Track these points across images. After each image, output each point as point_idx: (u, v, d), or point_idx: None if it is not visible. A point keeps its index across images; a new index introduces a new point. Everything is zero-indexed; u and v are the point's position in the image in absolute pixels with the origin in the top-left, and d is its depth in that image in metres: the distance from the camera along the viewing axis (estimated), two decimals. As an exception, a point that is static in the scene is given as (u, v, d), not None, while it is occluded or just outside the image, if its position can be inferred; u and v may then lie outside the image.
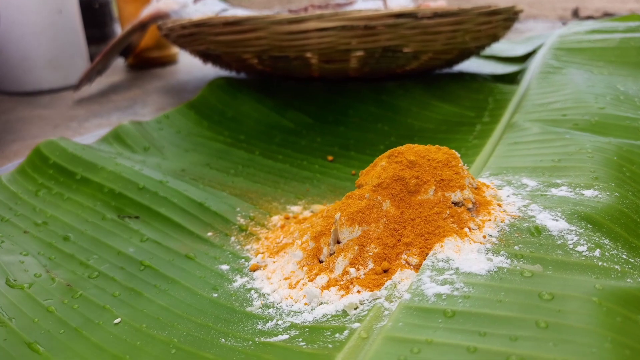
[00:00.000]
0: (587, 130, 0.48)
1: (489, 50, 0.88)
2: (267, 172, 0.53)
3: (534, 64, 0.72)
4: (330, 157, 0.56)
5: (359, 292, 0.30)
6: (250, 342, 0.29)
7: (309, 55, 0.62)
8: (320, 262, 0.34)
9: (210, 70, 0.92)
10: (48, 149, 0.50)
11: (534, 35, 1.03)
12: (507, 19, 0.67)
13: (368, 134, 0.61)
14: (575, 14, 1.37)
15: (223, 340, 0.29)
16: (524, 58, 0.84)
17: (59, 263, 0.38)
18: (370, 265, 0.31)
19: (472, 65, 0.83)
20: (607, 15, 1.28)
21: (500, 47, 0.93)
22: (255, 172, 0.53)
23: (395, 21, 0.59)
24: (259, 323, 0.31)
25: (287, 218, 0.43)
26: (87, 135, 0.62)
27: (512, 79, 0.73)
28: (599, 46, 0.75)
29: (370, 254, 0.32)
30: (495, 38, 0.69)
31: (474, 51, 0.70)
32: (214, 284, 0.35)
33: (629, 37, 0.75)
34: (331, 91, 0.70)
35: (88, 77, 0.83)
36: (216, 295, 0.34)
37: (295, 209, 0.45)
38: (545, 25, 1.22)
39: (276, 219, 0.43)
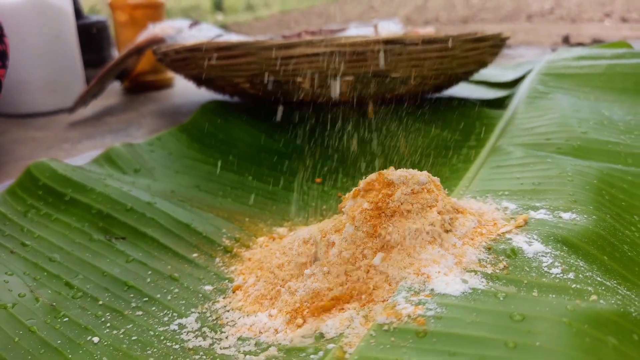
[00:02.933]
0: (569, 154, 0.49)
1: (478, 76, 0.89)
2: (255, 194, 0.53)
3: (522, 89, 0.73)
4: (318, 180, 0.56)
5: (337, 312, 0.31)
6: (228, 363, 0.29)
7: (299, 80, 0.63)
8: (301, 282, 0.34)
9: (205, 94, 0.94)
10: (38, 170, 0.51)
11: (524, 61, 1.05)
12: (494, 45, 0.68)
13: (356, 157, 0.62)
14: (566, 40, 1.39)
15: (201, 360, 0.29)
16: (513, 83, 0.85)
17: (44, 283, 0.38)
18: (348, 285, 0.31)
19: (462, 90, 0.84)
20: (596, 42, 1.30)
21: (490, 73, 0.94)
22: (244, 194, 0.53)
23: (383, 47, 0.60)
24: (238, 344, 0.31)
25: (272, 239, 0.44)
26: (79, 156, 0.63)
27: (500, 103, 0.75)
28: (585, 72, 0.76)
29: (349, 275, 0.32)
30: (482, 64, 0.71)
31: (462, 77, 0.72)
32: (196, 305, 0.36)
33: (615, 63, 0.77)
34: (321, 115, 0.71)
35: (83, 100, 0.84)
36: (197, 316, 0.34)
37: (281, 230, 0.46)
38: (535, 51, 1.25)
39: (262, 241, 0.44)
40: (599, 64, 0.78)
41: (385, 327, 0.26)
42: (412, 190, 0.34)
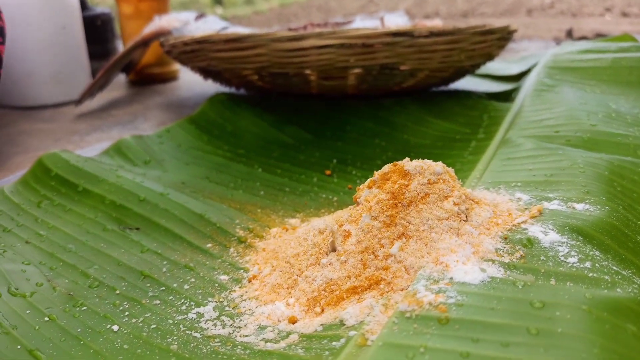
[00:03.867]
0: (579, 146, 0.49)
1: (484, 69, 0.89)
2: (266, 186, 0.54)
3: (528, 82, 0.74)
4: (328, 172, 0.57)
5: (356, 301, 0.31)
6: (249, 351, 0.29)
7: (308, 72, 0.63)
8: (318, 272, 0.34)
9: (210, 87, 0.94)
10: (50, 160, 0.51)
11: (529, 54, 1.05)
12: (501, 38, 0.69)
13: (365, 149, 0.62)
14: (569, 34, 1.39)
15: (221, 348, 0.30)
16: (519, 77, 0.85)
17: (60, 273, 0.39)
18: (366, 274, 0.32)
19: (468, 83, 0.84)
20: (599, 36, 1.30)
21: (495, 66, 0.94)
22: (255, 186, 0.54)
23: (393, 39, 0.60)
24: (258, 332, 0.31)
25: (285, 230, 0.44)
26: (88, 148, 0.63)
27: (506, 96, 0.75)
28: (591, 65, 0.77)
29: (366, 264, 0.32)
30: (489, 57, 0.71)
31: (469, 69, 0.72)
32: (213, 294, 0.36)
33: (620, 56, 0.77)
34: (330, 107, 0.71)
35: (90, 92, 0.84)
36: (215, 304, 0.35)
37: (294, 221, 0.46)
38: (539, 45, 1.25)
39: (275, 231, 0.44)
40: (605, 57, 0.79)
41: (407, 315, 0.26)
42: (428, 180, 0.35)
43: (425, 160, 0.36)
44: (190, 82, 1.03)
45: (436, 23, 0.79)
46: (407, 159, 0.36)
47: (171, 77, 1.05)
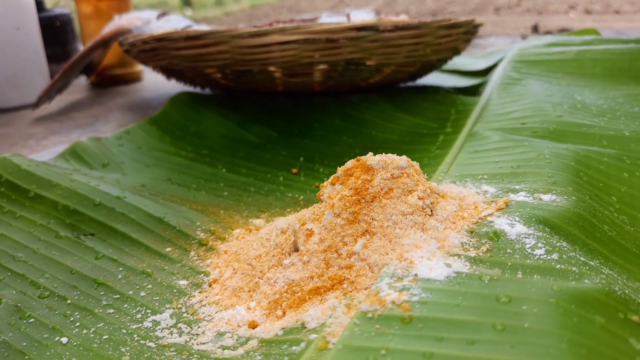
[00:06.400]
0: (545, 137, 0.49)
1: (451, 65, 0.89)
2: (230, 186, 0.52)
3: (495, 76, 0.73)
4: (294, 170, 0.55)
5: (319, 302, 0.30)
6: (205, 359, 0.28)
7: (272, 69, 0.62)
8: (280, 273, 0.33)
9: (175, 87, 0.91)
10: (0, 166, 0.48)
11: (496, 49, 1.05)
12: (467, 32, 0.68)
13: (333, 147, 0.61)
14: (535, 29, 1.41)
15: (176, 357, 0.28)
16: (486, 71, 0.85)
17: (7, 283, 0.36)
18: (329, 274, 0.30)
19: (435, 79, 0.84)
20: (564, 31, 1.32)
21: (462, 62, 0.94)
22: (218, 187, 0.52)
23: (357, 34, 0.59)
24: (216, 339, 0.30)
25: (249, 231, 0.42)
26: (44, 152, 0.60)
27: (474, 91, 0.75)
28: (556, 58, 0.77)
29: (329, 263, 0.31)
30: (456, 51, 0.70)
31: (436, 64, 0.71)
32: (170, 300, 0.34)
33: (584, 49, 0.78)
34: (296, 105, 0.69)
35: (47, 95, 0.81)
36: (172, 311, 0.33)
37: (258, 222, 0.44)
38: (506, 40, 1.25)
39: (238, 233, 0.42)
40: (570, 50, 0.79)
41: (369, 315, 0.25)
42: (391, 175, 0.33)
43: (389, 154, 0.35)
44: (155, 83, 1.01)
45: (402, 18, 0.78)
46: (370, 153, 0.35)
47: (135, 78, 1.02)
